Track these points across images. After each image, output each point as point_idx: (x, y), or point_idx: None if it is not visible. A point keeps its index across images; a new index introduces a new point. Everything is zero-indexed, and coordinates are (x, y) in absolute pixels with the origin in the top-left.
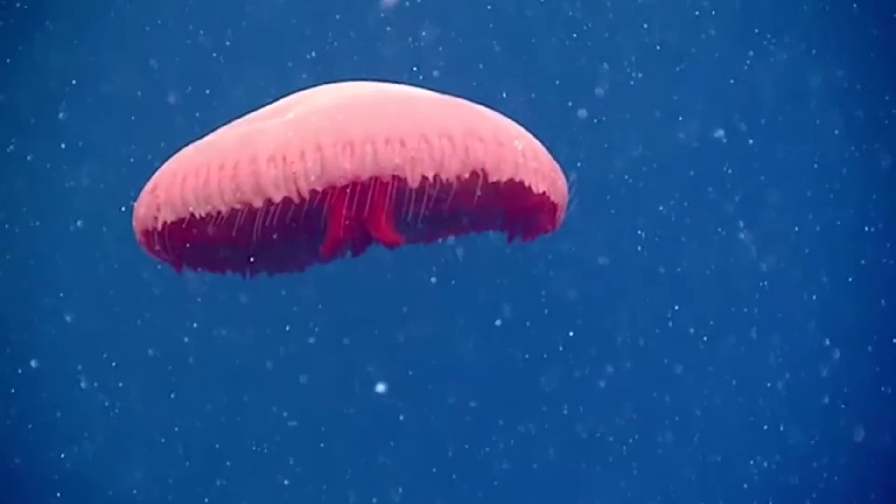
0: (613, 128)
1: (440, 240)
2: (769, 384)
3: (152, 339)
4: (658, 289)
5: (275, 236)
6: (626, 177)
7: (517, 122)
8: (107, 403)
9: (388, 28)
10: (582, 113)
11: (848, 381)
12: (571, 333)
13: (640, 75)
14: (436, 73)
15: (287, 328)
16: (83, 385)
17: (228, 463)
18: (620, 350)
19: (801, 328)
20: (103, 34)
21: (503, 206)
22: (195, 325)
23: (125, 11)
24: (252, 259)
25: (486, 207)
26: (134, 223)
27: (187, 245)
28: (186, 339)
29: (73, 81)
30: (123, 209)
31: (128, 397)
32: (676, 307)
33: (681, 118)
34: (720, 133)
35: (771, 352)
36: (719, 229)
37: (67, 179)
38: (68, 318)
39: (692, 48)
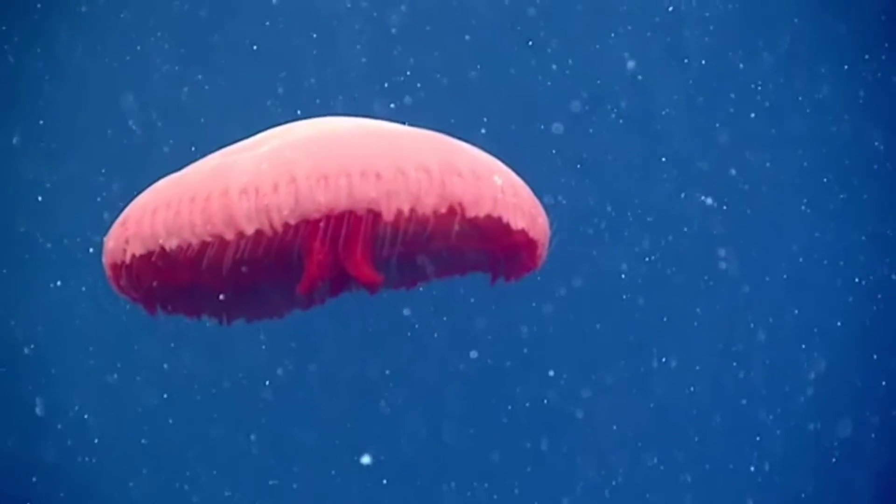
0: (596, 165)
1: (420, 286)
2: (758, 437)
3: (122, 385)
4: (642, 328)
5: (250, 278)
6: (610, 209)
7: (496, 157)
8: (70, 442)
9: (364, 59)
10: (563, 148)
11: (840, 423)
12: (552, 373)
13: (623, 106)
14: (409, 99)
15: (258, 365)
16: (55, 436)
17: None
18: (603, 390)
19: (790, 375)
20: (72, 71)
21: (484, 246)
22: (166, 365)
23: (95, 48)
24: (227, 301)
25: (466, 247)
26: (103, 258)
27: (156, 284)
28: (165, 396)
29: (41, 122)
30: (91, 250)
31: (98, 450)
32: (661, 350)
33: (664, 159)
34: (705, 169)
35: (760, 403)
36: (706, 277)
37: (35, 218)
38: (33, 361)
39: (674, 89)
